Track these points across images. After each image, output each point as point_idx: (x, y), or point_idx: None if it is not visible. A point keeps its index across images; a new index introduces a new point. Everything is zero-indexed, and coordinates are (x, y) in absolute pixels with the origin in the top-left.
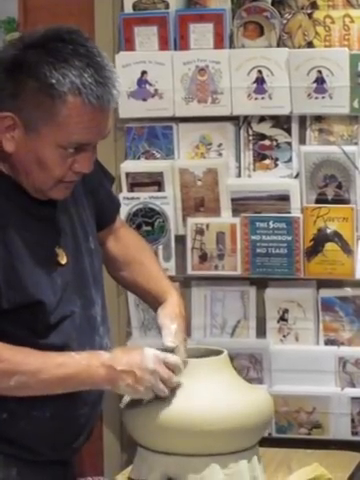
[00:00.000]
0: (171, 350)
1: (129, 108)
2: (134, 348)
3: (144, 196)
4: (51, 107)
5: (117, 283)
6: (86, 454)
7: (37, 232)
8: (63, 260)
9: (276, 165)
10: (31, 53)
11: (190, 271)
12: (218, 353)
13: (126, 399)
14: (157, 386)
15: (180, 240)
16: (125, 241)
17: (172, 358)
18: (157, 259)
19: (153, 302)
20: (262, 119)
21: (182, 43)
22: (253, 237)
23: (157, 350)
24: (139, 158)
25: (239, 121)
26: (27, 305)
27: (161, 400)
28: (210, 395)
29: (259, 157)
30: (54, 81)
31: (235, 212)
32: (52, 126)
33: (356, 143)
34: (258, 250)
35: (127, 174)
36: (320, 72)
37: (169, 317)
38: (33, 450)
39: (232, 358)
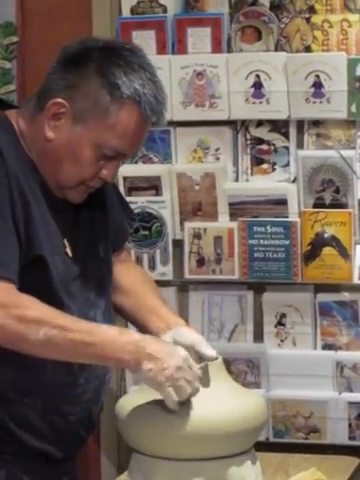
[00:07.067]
0: (211, 360)
1: None
2: (167, 342)
3: (141, 200)
4: (108, 106)
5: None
6: (83, 459)
7: (50, 221)
8: (70, 253)
9: (274, 169)
10: (99, 55)
11: (187, 275)
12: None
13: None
14: (177, 382)
15: (178, 244)
16: (131, 275)
17: (195, 366)
18: (160, 293)
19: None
20: (260, 123)
21: (180, 47)
22: (251, 241)
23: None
24: (137, 162)
25: (237, 125)
26: (35, 263)
27: (158, 405)
28: (204, 400)
29: (257, 161)
30: (120, 82)
31: (233, 216)
32: (101, 124)
33: (354, 147)
34: (256, 254)
35: (125, 178)
36: (318, 76)
37: (193, 332)
38: (19, 438)
39: (229, 362)
